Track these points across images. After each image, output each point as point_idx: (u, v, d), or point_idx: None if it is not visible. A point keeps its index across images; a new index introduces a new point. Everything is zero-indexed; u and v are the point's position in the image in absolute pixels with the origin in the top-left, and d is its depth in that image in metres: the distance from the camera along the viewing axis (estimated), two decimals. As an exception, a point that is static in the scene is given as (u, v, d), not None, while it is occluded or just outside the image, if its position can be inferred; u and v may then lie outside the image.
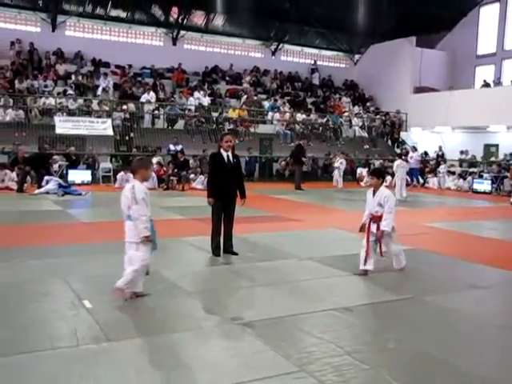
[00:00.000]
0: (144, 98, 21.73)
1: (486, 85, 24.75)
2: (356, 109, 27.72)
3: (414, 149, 22.20)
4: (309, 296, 5.66)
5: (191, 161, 19.45)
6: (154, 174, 17.58)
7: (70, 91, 21.22)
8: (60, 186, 15.13)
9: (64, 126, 18.69)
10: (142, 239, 5.17)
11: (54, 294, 5.55)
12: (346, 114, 26.78)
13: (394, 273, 6.88)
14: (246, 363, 3.95)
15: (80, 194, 14.83)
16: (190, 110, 22.33)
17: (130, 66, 24.02)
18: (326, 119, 25.40)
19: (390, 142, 26.73)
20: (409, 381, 3.75)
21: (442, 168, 21.96)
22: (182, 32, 26.04)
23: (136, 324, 4.70)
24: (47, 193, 14.57)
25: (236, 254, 7.45)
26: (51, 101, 20.03)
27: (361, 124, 26.37)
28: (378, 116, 27.45)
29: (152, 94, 21.89)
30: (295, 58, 29.88)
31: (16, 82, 20.27)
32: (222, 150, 7.44)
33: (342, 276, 6.62)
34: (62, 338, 4.33)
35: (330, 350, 4.20)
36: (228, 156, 7.41)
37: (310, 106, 26.89)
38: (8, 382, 3.55)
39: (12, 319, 4.71)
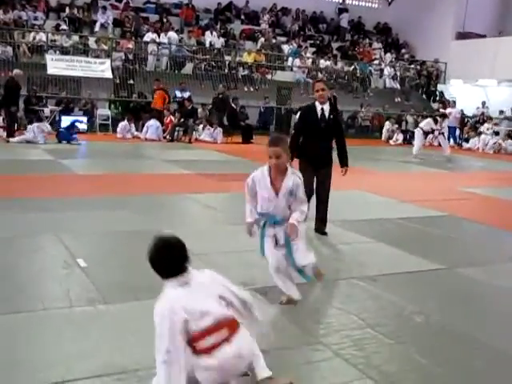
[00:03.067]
0: (148, 36, 21.50)
1: (542, 31, 24.12)
2: (388, 56, 27.23)
3: (453, 104, 21.87)
4: (328, 263, 5.67)
5: (199, 109, 19.35)
6: (158, 123, 17.61)
7: (64, 26, 20.96)
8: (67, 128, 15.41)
9: (56, 65, 18.60)
10: None
11: (46, 250, 5.62)
12: (377, 61, 26.37)
13: (427, 240, 6.87)
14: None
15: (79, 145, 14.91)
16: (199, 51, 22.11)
17: (132, -1, 23.68)
18: (353, 67, 25.04)
19: (425, 96, 26.36)
20: (438, 359, 3.78)
21: (486, 127, 21.69)
22: (193, -39, 25.52)
23: (134, 286, 4.74)
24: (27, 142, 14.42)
25: (326, 233, 6.75)
26: (42, 36, 19.78)
27: (393, 74, 25.95)
28: (412, 65, 26.97)
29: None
30: (321, -5, 29.20)
31: (0, 12, 19.98)
32: (316, 103, 6.55)
33: (365, 242, 6.63)
34: (54, 298, 4.39)
35: (350, 322, 4.23)
36: (323, 110, 6.49)
37: (335, 52, 26.43)
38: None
39: (0, 277, 4.79)
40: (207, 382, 2.92)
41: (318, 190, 6.61)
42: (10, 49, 18.98)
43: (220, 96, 19.29)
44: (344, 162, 6.73)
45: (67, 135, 15.02)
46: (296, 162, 6.41)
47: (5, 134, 14.81)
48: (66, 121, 17.13)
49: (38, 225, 6.46)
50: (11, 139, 14.45)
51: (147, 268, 4.93)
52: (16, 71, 15.25)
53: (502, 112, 23.05)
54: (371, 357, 3.71)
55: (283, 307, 4.45)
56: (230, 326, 3.00)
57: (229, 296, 3.14)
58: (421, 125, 17.55)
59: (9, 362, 3.40)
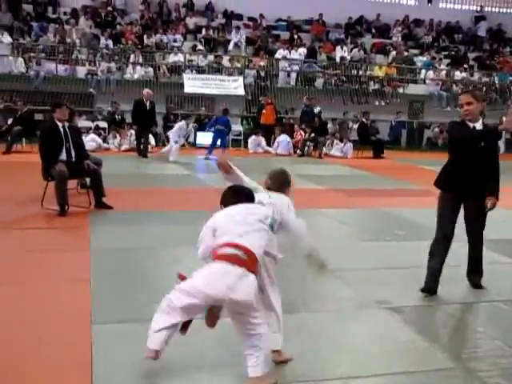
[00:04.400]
0: (279, 53, 21.90)
1: None
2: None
3: None
4: (468, 283, 5.40)
5: (330, 125, 19.34)
6: (288, 138, 17.84)
7: (200, 46, 21.98)
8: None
9: (193, 84, 19.48)
10: None
11: (185, 261, 5.83)
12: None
13: None
14: (392, 352, 3.88)
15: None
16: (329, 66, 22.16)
17: (264, 17, 24.17)
18: (491, 78, 23.86)
19: None
20: None
21: None
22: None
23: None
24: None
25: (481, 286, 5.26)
26: (180, 57, 20.89)
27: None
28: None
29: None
30: (456, 4, 28.13)
31: (145, 37, 21.40)
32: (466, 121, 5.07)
33: (507, 263, 6.24)
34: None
35: (495, 348, 3.98)
36: (474, 129, 5.00)
37: (471, 63, 25.34)
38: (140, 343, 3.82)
39: (143, 284, 5.05)
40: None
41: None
42: (151, 70, 20.16)
43: (305, 109, 19.09)
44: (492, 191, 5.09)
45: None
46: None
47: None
48: (201, 137, 17.84)
49: (178, 236, 6.74)
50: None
51: (282, 283, 4.96)
52: (145, 91, 15.59)
53: None
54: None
55: (416, 326, 4.29)
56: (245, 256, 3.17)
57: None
58: None
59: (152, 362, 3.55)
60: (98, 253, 5.91)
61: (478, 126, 4.99)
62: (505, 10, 28.69)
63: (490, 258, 6.43)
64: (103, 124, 18.09)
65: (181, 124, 15.27)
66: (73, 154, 7.93)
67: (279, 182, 3.87)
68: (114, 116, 18.36)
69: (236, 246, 3.19)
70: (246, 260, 3.16)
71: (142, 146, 15.28)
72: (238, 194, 3.57)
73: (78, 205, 8.05)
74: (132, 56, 20.39)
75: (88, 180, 8.31)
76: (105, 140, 17.21)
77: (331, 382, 3.44)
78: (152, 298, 4.71)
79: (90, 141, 15.52)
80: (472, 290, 5.21)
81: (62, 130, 7.88)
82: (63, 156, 7.85)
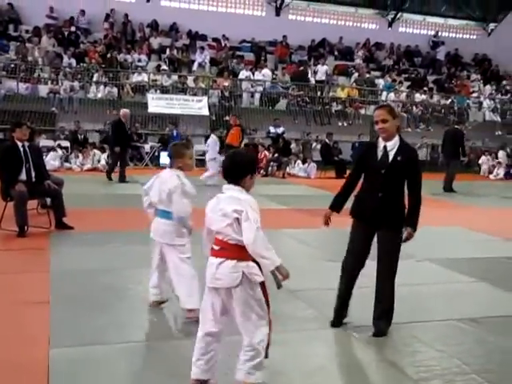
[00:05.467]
0: (243, 74, 22.07)
1: None
2: (488, 88, 26.40)
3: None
4: (427, 302, 5.50)
5: (293, 145, 19.51)
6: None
7: (164, 66, 21.98)
8: None
9: (157, 104, 19.42)
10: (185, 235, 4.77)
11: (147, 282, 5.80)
12: (475, 94, 25.61)
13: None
14: (355, 372, 3.92)
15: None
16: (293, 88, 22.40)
17: (228, 38, 24.39)
18: (449, 100, 24.47)
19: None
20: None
21: None
22: (287, 1, 26.06)
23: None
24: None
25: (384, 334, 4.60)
26: (144, 77, 20.86)
27: (493, 106, 25.11)
28: (514, 97, 26.01)
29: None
30: (416, 29, 28.92)
31: (108, 56, 21.31)
32: (380, 139, 4.57)
33: (467, 282, 6.37)
34: (154, 330, 4.55)
35: (453, 366, 4.05)
36: (385, 149, 4.49)
37: (431, 85, 25.97)
38: (101, 368, 3.77)
39: (104, 307, 4.99)
40: None
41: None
42: (115, 89, 20.07)
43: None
44: (410, 221, 4.52)
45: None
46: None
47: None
48: (165, 157, 17.78)
49: (141, 257, 6.66)
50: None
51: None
52: (123, 111, 14.94)
53: None
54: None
55: (377, 346, 4.34)
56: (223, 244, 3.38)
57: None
58: None
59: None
60: (58, 274, 5.83)
61: (391, 144, 4.47)
62: (462, 36, 29.59)
63: (449, 276, 6.58)
64: (65, 143, 17.88)
65: (214, 138, 15.29)
66: (33, 174, 7.85)
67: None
68: (76, 135, 18.19)
69: None
70: None
71: (119, 168, 14.57)
72: None
73: (38, 225, 7.93)
74: (96, 75, 20.27)
75: (48, 200, 8.20)
76: (67, 159, 17.00)
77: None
78: (114, 320, 4.70)
79: (51, 160, 15.33)
80: (430, 309, 5.30)
81: (21, 149, 7.79)
82: (23, 176, 7.76)
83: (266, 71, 22.49)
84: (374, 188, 4.50)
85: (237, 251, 3.31)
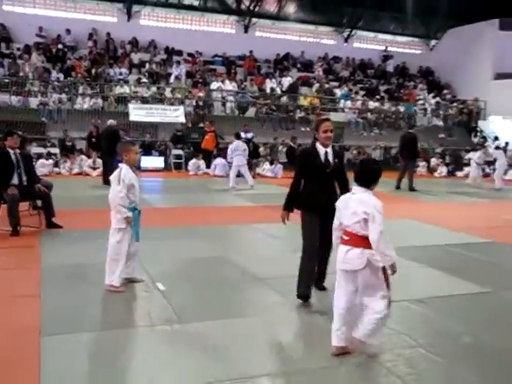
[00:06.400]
0: (214, 85, 22.01)
1: None
2: (431, 96, 26.80)
3: (496, 139, 21.26)
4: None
5: (261, 148, 19.53)
6: (224, 161, 17.89)
7: (144, 79, 21.81)
8: None
9: (138, 113, 19.24)
10: (121, 221, 5.13)
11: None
12: (421, 102, 25.98)
13: (473, 265, 6.64)
14: (317, 350, 3.95)
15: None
16: (261, 97, 22.41)
17: (201, 53, 24.32)
18: (399, 107, 24.77)
19: (467, 132, 25.71)
20: (486, 378, 3.62)
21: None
22: (254, 19, 26.06)
23: (207, 307, 4.80)
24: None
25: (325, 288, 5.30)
26: (126, 89, 20.68)
27: (436, 112, 25.51)
28: (454, 104, 26.43)
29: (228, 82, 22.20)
30: (368, 44, 29.20)
31: (93, 70, 21.06)
32: (318, 144, 5.03)
33: (416, 267, 6.47)
34: (139, 317, 4.51)
35: (402, 342, 4.12)
36: (327, 154, 4.99)
37: (382, 94, 26.26)
38: (90, 354, 3.73)
39: (91, 298, 4.94)
40: None
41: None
42: (100, 101, 19.85)
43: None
44: None
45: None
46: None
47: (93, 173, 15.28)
48: (145, 161, 17.67)
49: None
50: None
51: (218, 291, 5.00)
52: (111, 121, 14.66)
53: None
54: (423, 374, 3.61)
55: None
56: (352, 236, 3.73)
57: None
58: (474, 158, 17.34)
59: (101, 371, 3.49)
60: (48, 269, 5.75)
61: (329, 149, 5.00)
62: (408, 51, 30.00)
63: (400, 263, 6.62)
64: (55, 150, 17.61)
65: (239, 143, 14.43)
66: (24, 178, 7.73)
67: None
68: (64, 143, 17.94)
69: None
70: None
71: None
72: None
73: (30, 225, 7.80)
74: (81, 88, 20.02)
75: (39, 202, 8.08)
76: (56, 165, 16.75)
77: (260, 378, 3.47)
78: (101, 310, 4.65)
79: (40, 166, 15.08)
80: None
81: (13, 156, 7.66)
82: (15, 180, 7.63)
83: (234, 84, 22.48)
84: (322, 185, 4.98)
85: (363, 241, 3.67)
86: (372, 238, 3.60)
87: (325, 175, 4.98)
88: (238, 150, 14.26)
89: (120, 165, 5.28)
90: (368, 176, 3.80)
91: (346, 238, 3.78)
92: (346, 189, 4.89)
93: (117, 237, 5.17)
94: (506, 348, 4.12)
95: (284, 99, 22.99)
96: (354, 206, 3.72)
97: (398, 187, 15.05)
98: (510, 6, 24.63)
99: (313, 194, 5.01)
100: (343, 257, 3.76)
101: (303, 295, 4.95)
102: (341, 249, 3.81)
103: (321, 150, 5.00)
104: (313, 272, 5.09)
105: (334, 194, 4.95)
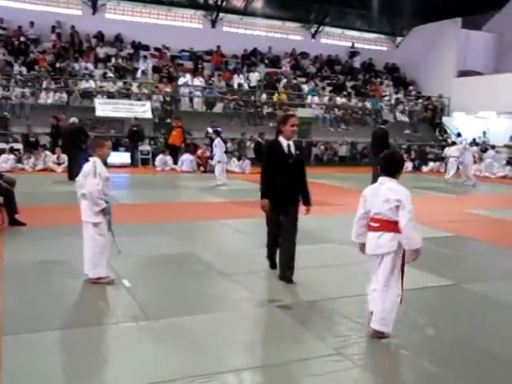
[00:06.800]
0: (182, 80, 21.85)
1: (536, 68, 23.87)
2: (397, 93, 27.15)
3: (459, 135, 21.70)
4: (346, 280, 5.63)
5: (229, 144, 19.48)
6: (191, 157, 17.80)
7: (110, 74, 21.47)
8: None
9: (104, 108, 18.96)
10: (99, 214, 5.17)
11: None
12: (387, 98, 26.32)
13: (437, 259, 6.76)
14: (282, 345, 3.97)
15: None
16: (228, 92, 22.35)
17: (168, 48, 24.10)
18: (365, 103, 25.04)
19: (432, 128, 26.17)
20: (448, 368, 3.69)
21: (490, 154, 21.43)
22: (221, 14, 25.94)
23: (172, 304, 4.77)
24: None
25: (292, 282, 5.43)
26: (91, 84, 20.33)
27: (402, 108, 25.88)
28: (420, 100, 26.86)
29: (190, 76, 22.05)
30: (335, 40, 29.43)
31: (57, 64, 20.63)
32: (281, 138, 5.46)
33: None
34: (103, 315, 4.44)
35: (367, 334, 4.17)
36: (289, 146, 5.43)
37: (349, 90, 26.48)
38: (54, 353, 3.66)
39: (57, 295, 4.85)
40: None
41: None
42: (65, 95, 19.48)
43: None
44: (306, 201, 5.60)
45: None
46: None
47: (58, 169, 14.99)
48: (111, 157, 17.36)
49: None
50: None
51: (184, 287, 4.96)
52: (73, 119, 14.57)
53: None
54: (388, 367, 3.66)
55: (303, 321, 4.41)
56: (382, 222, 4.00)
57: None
58: (449, 153, 17.63)
59: (65, 370, 3.43)
60: (11, 267, 5.62)
61: (291, 142, 5.49)
62: (374, 47, 30.35)
63: (363, 256, 6.72)
64: (18, 146, 17.21)
65: (220, 141, 14.32)
66: (-16, 174, 7.52)
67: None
68: (28, 138, 17.55)
69: None
70: None
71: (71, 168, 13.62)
72: None
73: (-8, 223, 7.61)
74: (45, 82, 19.60)
75: (1, 199, 7.88)
76: (19, 161, 16.37)
77: (226, 374, 3.47)
78: (65, 309, 4.57)
79: (3, 162, 14.72)
80: (349, 285, 5.42)
81: (-26, 152, 7.45)
82: (-24, 177, 7.42)
83: (201, 80, 22.35)
84: (285, 175, 5.40)
85: (394, 226, 3.95)
86: (402, 222, 3.89)
87: (287, 165, 5.42)
88: (221, 147, 14.33)
89: (92, 159, 5.26)
90: (393, 166, 4.15)
91: (375, 224, 4.06)
92: (303, 180, 5.53)
93: (97, 230, 5.20)
94: (468, 339, 4.22)
95: (263, 96, 23.03)
96: (386, 194, 4.00)
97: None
98: (472, 4, 25.17)
99: (277, 183, 5.40)
100: (375, 242, 4.04)
101: (269, 261, 5.82)
102: (371, 235, 4.08)
103: (284, 142, 5.45)
104: (275, 247, 5.66)
105: (295, 183, 5.45)
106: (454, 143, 18.88)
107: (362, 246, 4.22)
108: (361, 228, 4.18)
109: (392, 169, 4.13)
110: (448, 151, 18.28)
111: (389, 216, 3.97)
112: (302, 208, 5.53)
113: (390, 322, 4.03)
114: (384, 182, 4.09)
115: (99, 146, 5.35)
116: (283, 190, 5.37)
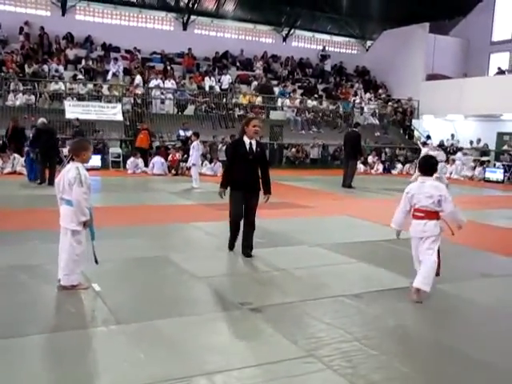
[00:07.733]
0: (153, 83, 21.70)
1: (501, 72, 24.42)
2: (367, 96, 27.48)
3: (428, 137, 22.04)
4: (317, 282, 5.66)
5: (201, 146, 19.36)
6: (162, 160, 17.67)
7: (80, 76, 21.22)
8: None
9: (74, 110, 18.69)
10: (81, 224, 5.03)
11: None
12: (358, 101, 26.60)
13: (404, 260, 6.83)
14: (254, 347, 3.96)
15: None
16: (200, 94, 22.27)
17: (139, 50, 23.92)
18: (336, 106, 25.26)
19: (401, 130, 26.55)
20: (418, 368, 3.74)
21: (459, 156, 21.83)
22: (193, 17, 25.91)
23: (144, 308, 4.72)
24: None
25: (251, 256, 6.56)
26: (61, 85, 20.02)
27: (372, 111, 26.19)
28: (389, 103, 27.23)
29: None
30: (306, 43, 29.67)
31: (26, 66, 20.29)
32: (245, 137, 6.49)
33: (351, 263, 6.61)
34: (73, 319, 4.36)
35: (338, 336, 4.19)
36: (251, 144, 6.46)
37: (320, 93, 26.70)
38: (19, 360, 3.58)
39: (25, 301, 4.75)
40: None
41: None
42: (33, 97, 19.15)
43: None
44: (267, 190, 6.64)
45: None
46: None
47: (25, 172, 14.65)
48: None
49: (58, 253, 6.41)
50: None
51: (156, 291, 4.92)
52: (42, 120, 14.46)
53: (471, 142, 23.26)
54: (358, 367, 3.68)
55: (274, 323, 4.41)
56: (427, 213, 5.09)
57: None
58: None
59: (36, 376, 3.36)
60: (-24, 273, 5.48)
61: (253, 141, 6.51)
62: (345, 51, 30.69)
63: (336, 259, 6.80)
64: (-15, 148, 16.82)
65: (198, 143, 14.45)
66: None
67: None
68: (-5, 141, 17.19)
69: None
70: None
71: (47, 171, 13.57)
72: None
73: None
74: (13, 84, 19.23)
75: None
76: (-14, 164, 16.01)
77: (198, 377, 3.44)
78: (33, 314, 4.47)
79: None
80: (320, 287, 5.45)
81: None
82: None
83: (172, 82, 22.25)
84: (247, 169, 6.44)
85: (436, 215, 5.08)
86: (448, 208, 5.01)
87: (249, 161, 6.44)
88: (198, 150, 14.45)
89: (74, 164, 5.01)
90: (430, 168, 5.28)
91: (420, 214, 5.10)
92: (265, 173, 6.59)
93: (76, 238, 5.05)
94: (435, 338, 4.28)
95: (259, 99, 23.14)
96: (429, 191, 5.05)
97: (347, 185, 15.16)
98: (440, 10, 25.67)
99: (239, 176, 6.42)
100: (421, 228, 5.09)
101: (230, 247, 6.81)
102: (417, 222, 5.13)
103: (246, 141, 6.49)
104: (236, 234, 6.68)
105: (256, 176, 6.48)
106: (425, 144, 19.14)
107: (399, 232, 5.41)
108: (402, 219, 5.31)
109: (430, 170, 5.25)
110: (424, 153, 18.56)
111: (431, 208, 5.03)
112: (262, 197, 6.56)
113: (429, 282, 5.02)
114: (425, 180, 5.14)
115: (84, 149, 5.12)
116: (245, 180, 6.41)
